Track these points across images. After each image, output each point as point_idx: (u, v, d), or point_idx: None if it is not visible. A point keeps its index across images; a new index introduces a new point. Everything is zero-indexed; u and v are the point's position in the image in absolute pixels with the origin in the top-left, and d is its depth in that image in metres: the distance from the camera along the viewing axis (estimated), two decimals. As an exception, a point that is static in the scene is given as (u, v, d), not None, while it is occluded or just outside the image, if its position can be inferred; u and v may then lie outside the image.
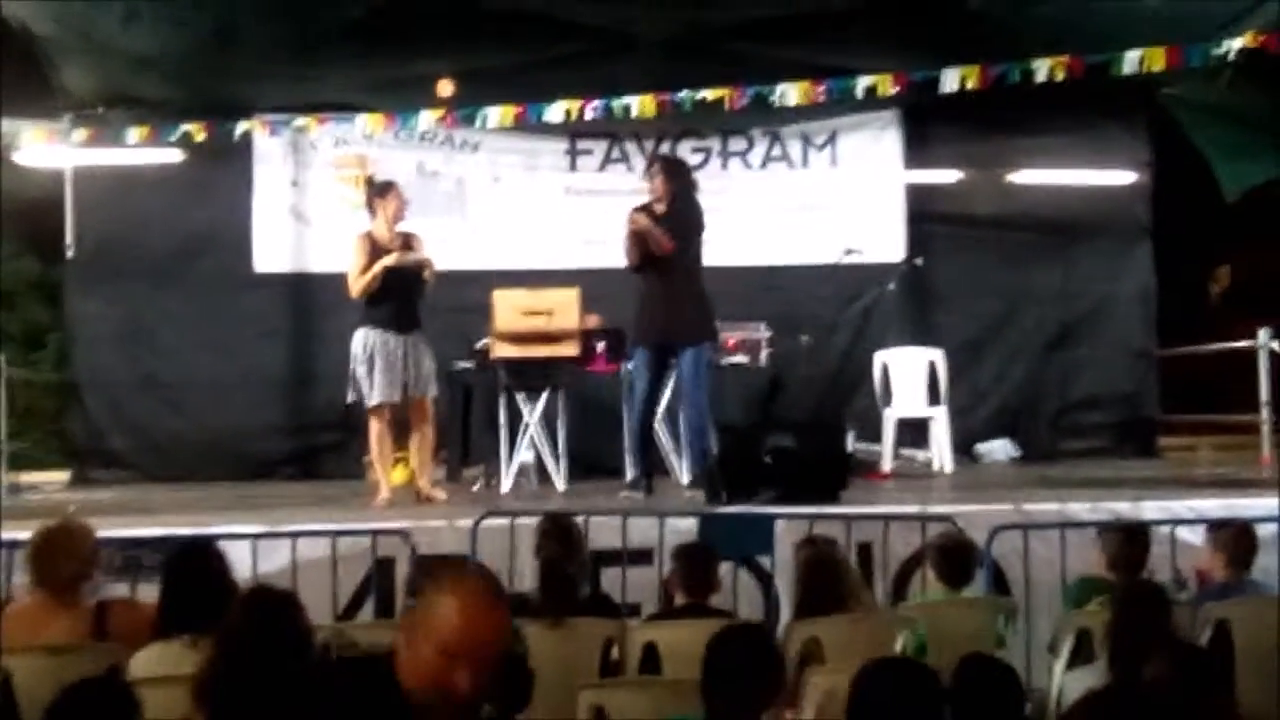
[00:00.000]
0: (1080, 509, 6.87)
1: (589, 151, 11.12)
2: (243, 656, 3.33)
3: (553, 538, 5.48)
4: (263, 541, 6.22)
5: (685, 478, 8.60)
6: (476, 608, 2.57)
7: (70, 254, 10.65)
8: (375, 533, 6.40)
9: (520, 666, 3.57)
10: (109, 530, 5.65)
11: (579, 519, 6.05)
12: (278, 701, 2.81)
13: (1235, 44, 8.26)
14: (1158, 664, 2.91)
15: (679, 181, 8.38)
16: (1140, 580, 5.11)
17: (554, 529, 5.59)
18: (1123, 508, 6.84)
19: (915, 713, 3.25)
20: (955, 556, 5.54)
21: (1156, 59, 8.38)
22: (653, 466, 8.55)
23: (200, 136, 9.74)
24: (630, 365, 8.75)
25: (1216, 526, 5.80)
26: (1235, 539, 5.52)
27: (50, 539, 4.60)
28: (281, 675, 3.08)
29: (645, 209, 8.28)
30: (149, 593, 5.06)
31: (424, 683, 2.55)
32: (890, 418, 9.73)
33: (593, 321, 9.05)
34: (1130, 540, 5.47)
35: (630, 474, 8.59)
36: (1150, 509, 6.78)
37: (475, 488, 9.08)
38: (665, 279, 8.18)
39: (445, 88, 9.57)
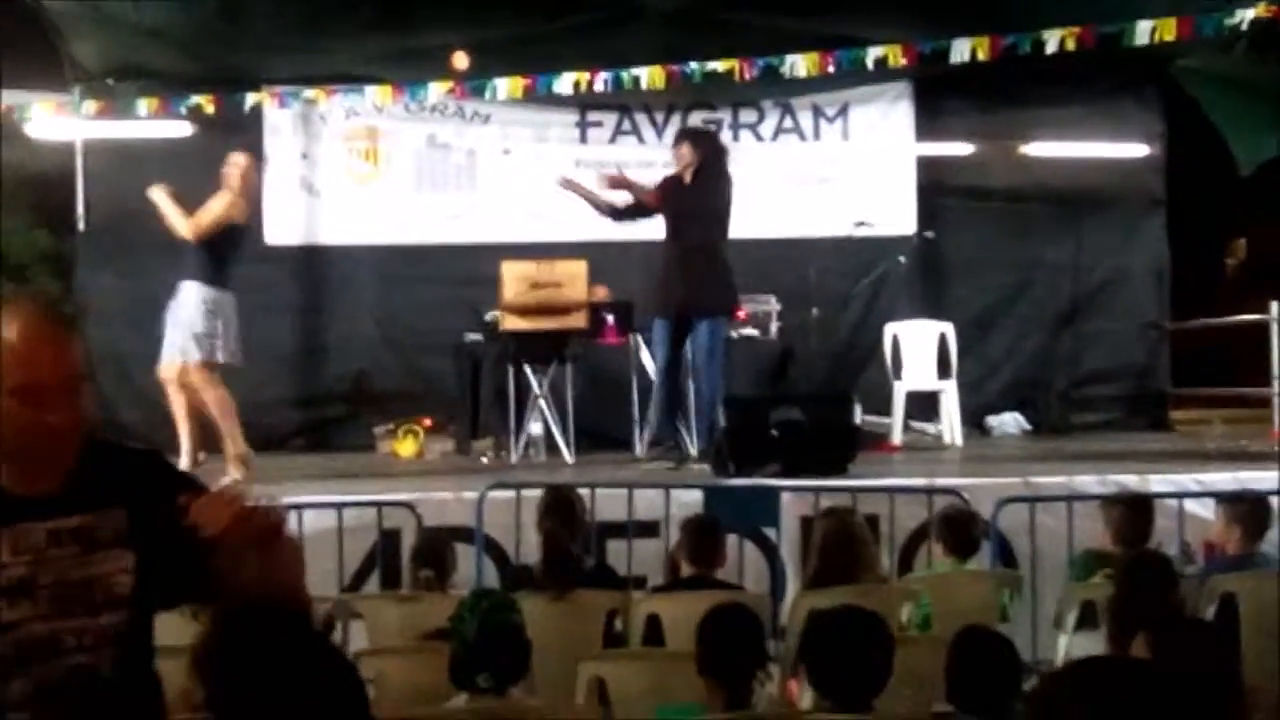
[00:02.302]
0: (1088, 482, 6.86)
1: (599, 124, 11.04)
2: (242, 627, 3.33)
3: (554, 511, 5.49)
4: (269, 513, 6.23)
5: (693, 450, 8.60)
6: (26, 327, 2.44)
7: (81, 227, 10.66)
8: (381, 505, 6.42)
9: (517, 637, 3.57)
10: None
11: (585, 491, 6.05)
12: (278, 671, 2.79)
13: (1248, 15, 8.18)
14: (1157, 636, 2.90)
15: (704, 152, 8.33)
16: (1146, 551, 5.10)
17: (555, 502, 5.60)
18: (1131, 481, 6.82)
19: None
20: (960, 529, 5.56)
21: (1168, 29, 8.30)
22: (680, 435, 8.54)
23: (210, 109, 9.73)
24: (647, 336, 8.75)
25: (1228, 499, 5.78)
26: (1251, 511, 5.50)
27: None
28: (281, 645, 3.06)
29: (674, 179, 8.29)
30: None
31: (11, 441, 2.47)
32: (900, 390, 9.71)
33: (601, 293, 9.04)
34: (1134, 513, 5.45)
35: (639, 447, 8.58)
36: (1158, 482, 6.76)
37: (484, 460, 9.09)
38: (686, 249, 8.16)
39: (460, 60, 9.52)
